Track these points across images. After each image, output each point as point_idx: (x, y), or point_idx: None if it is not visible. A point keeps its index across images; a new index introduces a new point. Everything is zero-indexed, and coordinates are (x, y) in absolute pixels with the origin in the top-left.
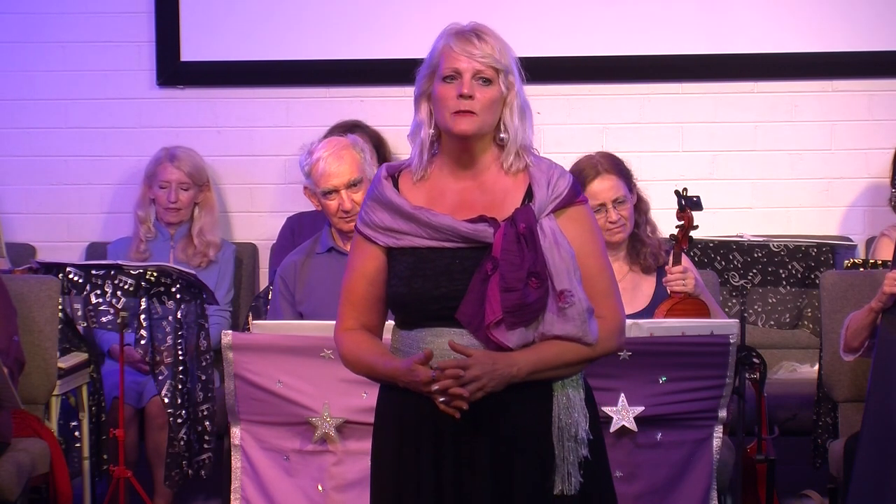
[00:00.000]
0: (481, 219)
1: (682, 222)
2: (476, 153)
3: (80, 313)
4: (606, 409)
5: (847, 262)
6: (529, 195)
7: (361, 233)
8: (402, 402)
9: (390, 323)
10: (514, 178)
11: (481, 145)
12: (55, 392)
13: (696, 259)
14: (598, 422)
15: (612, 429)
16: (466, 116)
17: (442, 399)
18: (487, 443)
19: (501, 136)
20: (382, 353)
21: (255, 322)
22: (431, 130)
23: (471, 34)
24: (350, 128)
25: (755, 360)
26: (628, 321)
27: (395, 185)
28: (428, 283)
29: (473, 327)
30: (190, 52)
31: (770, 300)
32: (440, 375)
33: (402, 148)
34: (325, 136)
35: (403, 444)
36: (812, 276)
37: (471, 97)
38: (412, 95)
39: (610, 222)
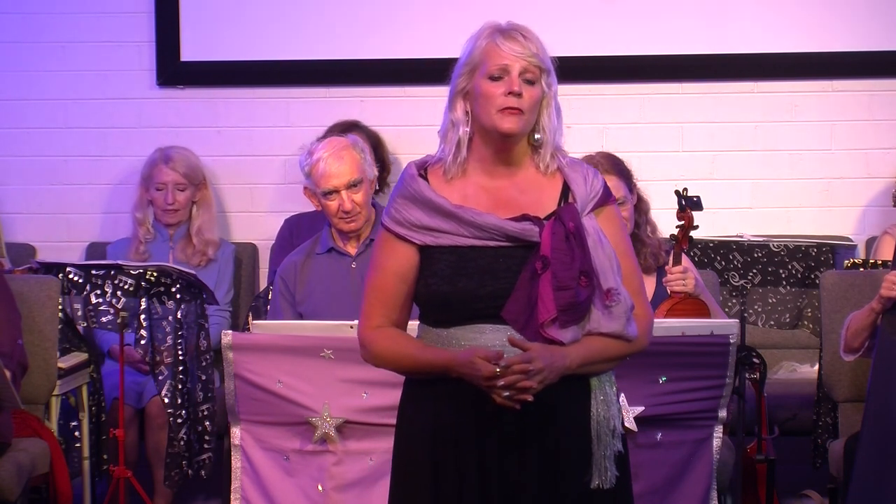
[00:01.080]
0: (525, 217)
1: (682, 222)
2: (514, 152)
3: (80, 313)
4: None
5: (847, 262)
6: (565, 194)
7: (392, 231)
8: (435, 407)
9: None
10: (549, 179)
11: (520, 146)
12: (55, 392)
13: (696, 259)
14: (621, 413)
15: None
16: (513, 114)
17: (506, 394)
18: (532, 441)
19: (536, 136)
20: (424, 346)
21: (255, 322)
22: (468, 129)
23: (516, 33)
24: (348, 128)
25: (755, 360)
26: None
27: (426, 181)
28: (472, 281)
29: (520, 325)
30: (190, 52)
31: (770, 300)
32: (506, 371)
33: (401, 148)
34: (324, 137)
35: (438, 448)
36: (812, 276)
37: (520, 95)
38: (412, 95)
39: None
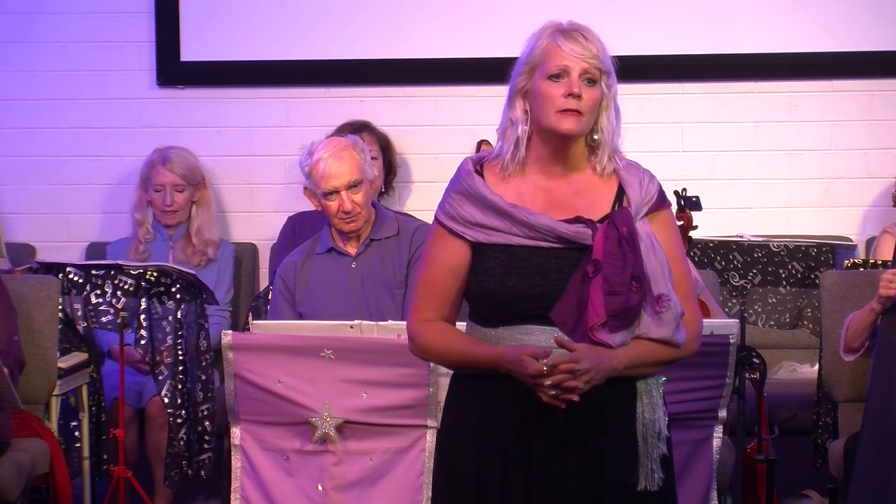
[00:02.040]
0: (578, 220)
1: (682, 222)
2: (571, 153)
3: (80, 313)
4: None
5: (847, 262)
6: (619, 197)
7: (446, 226)
8: (481, 402)
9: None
10: (604, 181)
11: (577, 146)
12: (55, 392)
13: (696, 259)
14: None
15: None
16: (572, 116)
17: (552, 393)
18: (577, 441)
19: (595, 137)
20: (473, 340)
21: (255, 322)
22: (526, 128)
23: (577, 33)
24: (358, 129)
25: (755, 360)
26: None
27: (481, 178)
28: (523, 281)
29: (568, 327)
30: (190, 52)
31: (770, 300)
32: (553, 370)
33: (401, 148)
34: (332, 136)
35: (482, 443)
36: (812, 276)
37: (580, 96)
38: (412, 95)
39: None
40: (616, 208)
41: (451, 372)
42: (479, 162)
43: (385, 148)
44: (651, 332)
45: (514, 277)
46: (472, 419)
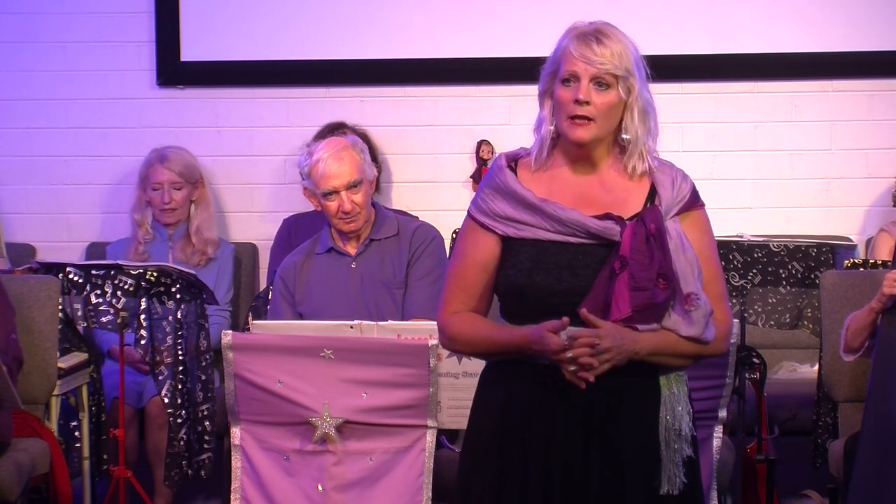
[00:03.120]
0: (608, 216)
1: None
2: (595, 157)
3: (80, 313)
4: None
5: (847, 262)
6: (651, 197)
7: (477, 220)
8: (506, 405)
9: None
10: (637, 180)
11: (600, 149)
12: (55, 392)
13: None
14: (694, 419)
15: None
16: (582, 125)
17: (572, 368)
18: (598, 442)
19: (623, 136)
20: (499, 326)
21: (255, 322)
22: (551, 127)
23: (591, 37)
24: (335, 128)
25: (755, 360)
26: None
27: (514, 173)
28: (550, 276)
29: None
30: (190, 52)
31: (770, 300)
32: (574, 343)
33: (401, 148)
34: (314, 139)
35: (505, 444)
36: (812, 276)
37: (587, 103)
38: (411, 95)
39: None
40: (647, 206)
41: (451, 372)
42: (515, 158)
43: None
44: (681, 330)
45: (542, 272)
46: (497, 410)
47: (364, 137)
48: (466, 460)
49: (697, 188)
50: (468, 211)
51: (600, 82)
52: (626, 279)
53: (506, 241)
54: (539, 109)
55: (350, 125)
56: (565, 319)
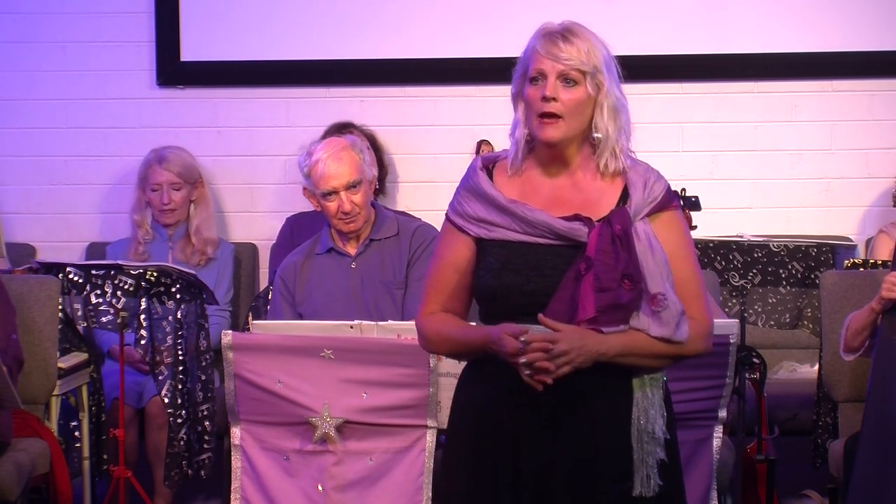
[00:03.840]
0: (576, 217)
1: None
2: (567, 156)
3: (80, 313)
4: None
5: (847, 262)
6: (624, 197)
7: (452, 221)
8: (481, 405)
9: None
10: (609, 180)
11: (571, 149)
12: (55, 392)
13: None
14: (675, 423)
15: None
16: (551, 124)
17: (527, 372)
18: (567, 444)
19: (595, 135)
20: (467, 325)
21: (255, 322)
22: (526, 130)
23: (557, 35)
24: (342, 128)
25: (755, 360)
26: None
27: (490, 176)
28: (518, 277)
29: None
30: (190, 52)
31: (770, 300)
32: (528, 348)
33: (401, 148)
34: (321, 138)
35: (478, 445)
36: (812, 276)
37: (554, 99)
38: (412, 95)
39: None
40: (617, 207)
41: (451, 372)
42: (494, 161)
43: (373, 146)
44: (650, 330)
45: (510, 273)
46: (472, 411)
47: (371, 138)
48: (446, 461)
49: (673, 188)
50: (446, 213)
51: (567, 79)
52: (591, 280)
53: (479, 242)
54: (514, 112)
55: (357, 125)
56: (525, 328)
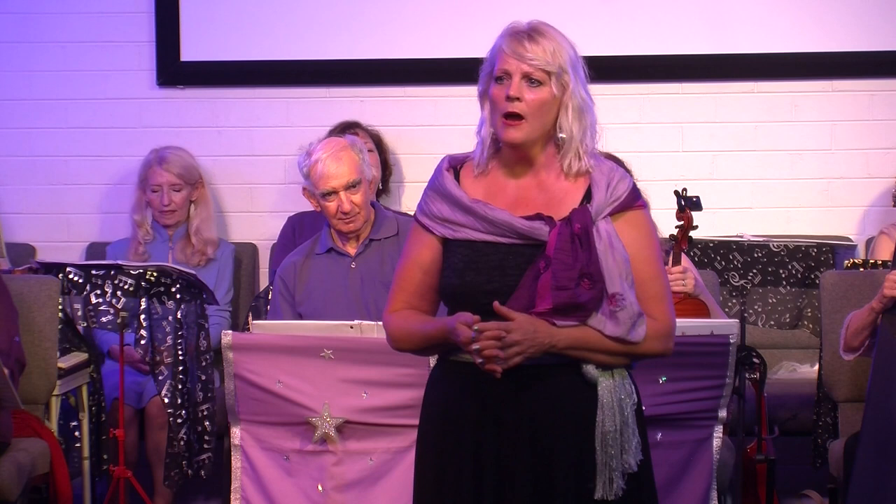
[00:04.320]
0: (538, 217)
1: (682, 222)
2: (531, 156)
3: (80, 313)
4: None
5: (847, 262)
6: (588, 197)
7: (419, 222)
8: (449, 393)
9: None
10: (574, 180)
11: (535, 149)
12: (55, 392)
13: (696, 259)
14: (645, 427)
15: None
16: (514, 125)
17: (480, 360)
18: (527, 446)
19: (559, 135)
20: (428, 318)
21: (255, 322)
22: (491, 129)
23: (523, 35)
24: (348, 127)
25: (755, 360)
26: None
27: (457, 176)
28: (480, 276)
29: None
30: (190, 52)
31: (770, 300)
32: (480, 336)
33: (402, 148)
34: (326, 137)
35: (442, 443)
36: (812, 276)
37: (518, 99)
38: (412, 95)
39: None
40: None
41: None
42: (462, 161)
43: (378, 146)
44: (605, 329)
45: (473, 273)
46: (437, 408)
47: (377, 138)
48: (416, 459)
49: (638, 187)
50: (414, 214)
51: (532, 79)
52: (549, 278)
53: (445, 242)
54: (480, 111)
55: (364, 125)
56: (477, 317)
